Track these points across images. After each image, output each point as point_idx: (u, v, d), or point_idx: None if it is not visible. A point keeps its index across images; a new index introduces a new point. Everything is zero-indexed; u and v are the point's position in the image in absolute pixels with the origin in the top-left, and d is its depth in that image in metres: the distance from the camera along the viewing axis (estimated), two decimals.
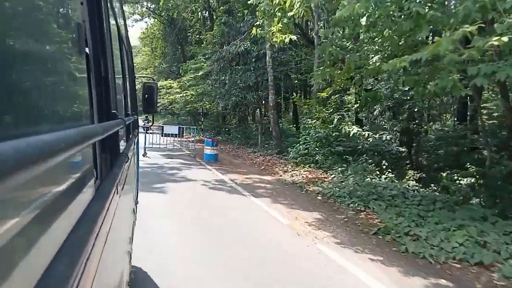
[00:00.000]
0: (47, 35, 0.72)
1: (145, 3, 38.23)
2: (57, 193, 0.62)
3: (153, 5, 37.43)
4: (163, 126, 15.40)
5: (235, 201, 7.51)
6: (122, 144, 2.00)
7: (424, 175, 10.09)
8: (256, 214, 6.60)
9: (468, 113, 14.49)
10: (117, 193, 1.28)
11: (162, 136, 14.77)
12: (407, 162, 13.03)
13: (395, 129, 13.16)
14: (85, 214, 0.78)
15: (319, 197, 8.06)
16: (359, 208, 7.03)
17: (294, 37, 5.91)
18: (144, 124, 18.89)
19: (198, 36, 31.74)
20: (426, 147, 13.94)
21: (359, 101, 10.09)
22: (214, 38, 22.61)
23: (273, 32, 5.92)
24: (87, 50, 1.15)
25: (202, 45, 26.67)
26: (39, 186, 0.53)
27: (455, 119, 15.69)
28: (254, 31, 6.84)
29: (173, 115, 40.55)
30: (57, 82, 0.77)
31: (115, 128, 1.33)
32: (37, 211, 0.50)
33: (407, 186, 8.68)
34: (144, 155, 13.35)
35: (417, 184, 9.16)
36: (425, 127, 12.83)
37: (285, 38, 5.71)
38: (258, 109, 19.15)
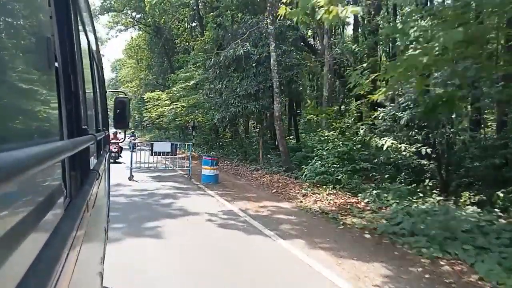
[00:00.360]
0: (15, 48, 0.71)
1: (129, 12, 36.34)
2: (25, 212, 0.60)
3: (139, 15, 35.51)
4: (152, 143, 12.90)
5: (257, 247, 5.45)
6: (93, 160, 1.99)
7: (484, 196, 8.19)
8: (297, 273, 4.55)
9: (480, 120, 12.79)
10: (87, 211, 1.26)
11: (152, 155, 12.45)
12: (428, 176, 11.17)
13: (414, 138, 11.33)
14: (54, 234, 0.74)
15: (366, 235, 6.07)
16: (435, 254, 5.05)
17: (358, 10, 3.99)
18: (130, 141, 16.56)
19: (187, 43, 29.96)
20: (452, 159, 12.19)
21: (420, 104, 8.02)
22: (206, 44, 20.73)
23: (321, 5, 3.97)
24: (56, 64, 1.09)
25: (192, 53, 24.80)
26: (5, 205, 0.52)
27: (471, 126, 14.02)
28: (281, 10, 4.90)
29: (160, 129, 38.41)
30: (26, 97, 0.77)
31: (86, 144, 1.32)
32: (4, 231, 0.50)
33: (476, 214, 6.76)
34: (131, 178, 11.19)
35: (480, 210, 7.26)
36: (462, 137, 11.01)
37: (343, 12, 3.75)
38: (259, 120, 17.01)
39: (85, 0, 2.07)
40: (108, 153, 4.19)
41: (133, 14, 35.99)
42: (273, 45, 12.24)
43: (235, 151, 19.70)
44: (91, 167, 1.72)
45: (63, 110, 1.15)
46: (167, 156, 13.22)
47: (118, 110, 4.14)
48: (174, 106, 21.93)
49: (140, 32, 38.42)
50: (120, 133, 16.81)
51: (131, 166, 11.50)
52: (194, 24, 29.83)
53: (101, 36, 44.57)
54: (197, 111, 21.27)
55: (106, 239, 3.26)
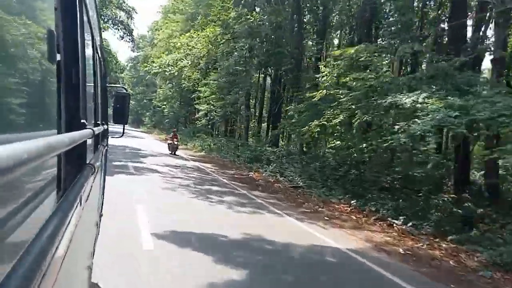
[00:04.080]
0: (18, 39, 0.71)
1: None
2: (16, 204, 0.62)
3: None
4: None
5: None
6: (90, 154, 1.97)
7: None
8: None
9: None
10: (80, 205, 1.28)
11: None
12: None
13: None
14: (44, 227, 0.74)
15: None
16: None
17: None
18: None
19: None
20: None
21: None
22: None
23: None
24: (58, 57, 1.08)
25: None
26: None
27: None
28: None
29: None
30: (26, 88, 0.77)
31: (83, 138, 1.32)
32: None
33: None
34: None
35: None
36: None
37: None
38: None
39: None
40: (106, 147, 4.20)
41: None
42: None
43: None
44: (87, 161, 1.72)
45: (63, 103, 1.17)
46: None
47: (118, 105, 4.20)
48: None
49: None
50: None
51: None
52: None
53: None
54: None
55: (98, 233, 3.32)
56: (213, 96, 25.16)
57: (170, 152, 21.20)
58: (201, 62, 25.70)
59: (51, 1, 1.03)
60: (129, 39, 31.81)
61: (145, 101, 56.62)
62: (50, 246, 0.70)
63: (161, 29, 36.13)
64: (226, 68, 22.89)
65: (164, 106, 42.17)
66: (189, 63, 24.89)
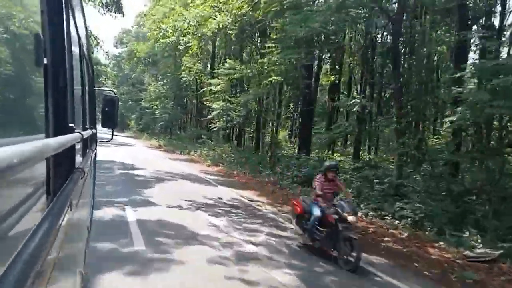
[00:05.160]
0: (4, 42, 0.71)
1: None
2: (6, 209, 0.61)
3: None
4: None
5: None
6: (79, 158, 1.99)
7: None
8: None
9: None
10: (70, 210, 1.27)
11: None
12: None
13: None
14: (35, 232, 0.74)
15: None
16: None
17: None
18: None
19: None
20: None
21: None
22: None
23: None
24: (45, 60, 1.08)
25: None
26: None
27: None
28: None
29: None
30: (13, 93, 0.78)
31: (72, 142, 1.32)
32: None
33: None
34: None
35: None
36: None
37: None
38: None
39: None
40: (95, 152, 4.22)
41: None
42: None
43: None
44: (76, 165, 1.72)
45: (50, 107, 1.17)
46: None
47: (106, 109, 4.20)
48: None
49: None
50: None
51: None
52: None
53: None
54: None
55: (89, 237, 3.26)
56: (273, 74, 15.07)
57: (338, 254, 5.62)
58: (236, 24, 16.69)
59: (37, 4, 1.02)
60: (115, 9, 21.39)
61: (130, 102, 49.59)
62: (41, 251, 0.69)
63: (154, 7, 27.96)
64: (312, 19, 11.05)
65: (155, 107, 36.32)
66: (229, 20, 15.73)
